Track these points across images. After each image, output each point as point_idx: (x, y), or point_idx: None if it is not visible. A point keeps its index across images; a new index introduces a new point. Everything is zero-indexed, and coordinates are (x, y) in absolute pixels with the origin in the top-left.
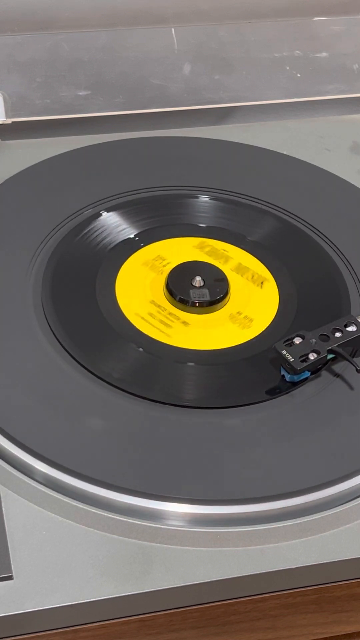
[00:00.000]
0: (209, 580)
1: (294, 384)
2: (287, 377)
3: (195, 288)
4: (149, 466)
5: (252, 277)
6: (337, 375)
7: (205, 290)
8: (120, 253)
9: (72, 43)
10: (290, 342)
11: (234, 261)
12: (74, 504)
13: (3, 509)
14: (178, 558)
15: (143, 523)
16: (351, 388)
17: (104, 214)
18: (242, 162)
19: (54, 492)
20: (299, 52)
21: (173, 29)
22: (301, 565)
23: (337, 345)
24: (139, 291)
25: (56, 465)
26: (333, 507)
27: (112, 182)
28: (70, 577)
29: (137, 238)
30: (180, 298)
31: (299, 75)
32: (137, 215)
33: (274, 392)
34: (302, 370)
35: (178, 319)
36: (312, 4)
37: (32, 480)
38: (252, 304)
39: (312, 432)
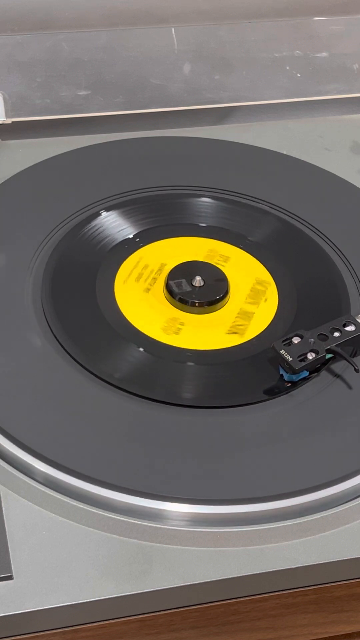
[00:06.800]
0: (209, 580)
1: (293, 384)
2: (286, 376)
3: (195, 288)
4: (149, 466)
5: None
6: (336, 375)
7: (205, 290)
8: (120, 253)
9: (72, 43)
10: (288, 341)
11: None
12: (74, 504)
13: (3, 509)
14: (178, 558)
15: (143, 523)
16: (350, 388)
17: (104, 214)
18: (242, 162)
19: (54, 492)
20: (299, 52)
21: (173, 29)
22: (301, 565)
23: (335, 345)
24: (139, 291)
25: (56, 465)
26: (333, 507)
27: (112, 182)
28: (70, 577)
29: (137, 238)
30: (180, 298)
31: (299, 75)
32: (137, 215)
33: (272, 392)
34: (301, 370)
35: (178, 318)
36: (312, 4)
37: (32, 480)
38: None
39: (312, 432)
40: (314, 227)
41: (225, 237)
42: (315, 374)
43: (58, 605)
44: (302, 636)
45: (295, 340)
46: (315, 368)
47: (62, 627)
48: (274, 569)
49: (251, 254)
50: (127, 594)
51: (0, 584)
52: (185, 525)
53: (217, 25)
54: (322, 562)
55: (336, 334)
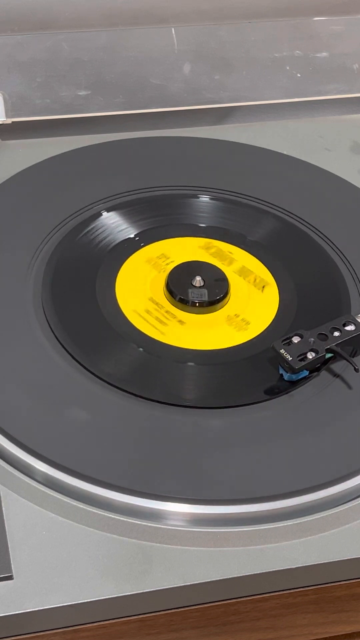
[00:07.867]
0: (209, 580)
1: (293, 384)
2: (286, 376)
3: (195, 288)
4: (149, 466)
5: (255, 280)
6: (336, 375)
7: (205, 290)
8: (121, 253)
9: (72, 43)
10: (288, 341)
11: (238, 263)
12: (74, 504)
13: (3, 509)
14: (178, 558)
15: (143, 523)
16: (350, 388)
17: (104, 214)
18: (242, 162)
19: (54, 492)
20: (299, 52)
21: (173, 29)
22: (301, 565)
23: (335, 345)
24: (139, 291)
25: (56, 465)
26: (333, 507)
27: (112, 182)
28: (70, 577)
29: (137, 238)
30: (180, 298)
31: (299, 75)
32: (137, 215)
33: (272, 392)
34: (300, 369)
35: (178, 319)
36: (312, 4)
37: (32, 480)
38: (252, 304)
39: (312, 432)
40: (314, 227)
41: (226, 237)
42: (315, 373)
43: (58, 605)
44: (302, 636)
45: (295, 339)
46: (315, 368)
47: (62, 627)
48: (274, 569)
49: (252, 254)
50: (127, 594)
51: (0, 584)
52: (185, 525)
53: (217, 25)
54: (322, 562)
55: (336, 334)
